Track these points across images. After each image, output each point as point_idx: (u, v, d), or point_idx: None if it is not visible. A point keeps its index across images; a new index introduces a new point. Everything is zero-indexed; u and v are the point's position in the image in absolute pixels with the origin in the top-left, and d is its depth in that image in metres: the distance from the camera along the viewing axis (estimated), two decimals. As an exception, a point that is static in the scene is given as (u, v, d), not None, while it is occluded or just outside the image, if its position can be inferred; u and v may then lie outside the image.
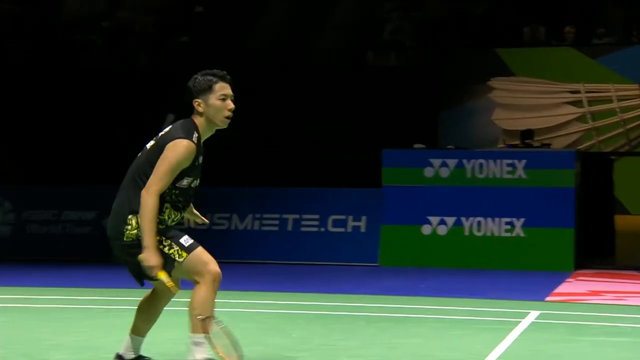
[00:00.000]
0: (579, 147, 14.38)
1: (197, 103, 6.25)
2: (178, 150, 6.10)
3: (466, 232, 13.09)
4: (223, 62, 14.52)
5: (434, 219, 13.14)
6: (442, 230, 13.13)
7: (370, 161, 13.22)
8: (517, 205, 12.90)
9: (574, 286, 11.48)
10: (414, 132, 13.82)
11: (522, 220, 12.88)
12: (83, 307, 10.08)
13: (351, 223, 13.57)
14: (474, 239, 13.05)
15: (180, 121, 6.26)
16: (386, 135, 13.79)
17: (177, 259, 6.12)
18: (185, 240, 6.23)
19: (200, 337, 6.09)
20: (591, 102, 14.95)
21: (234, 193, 13.93)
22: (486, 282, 11.74)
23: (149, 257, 5.99)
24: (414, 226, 13.16)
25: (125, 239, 6.18)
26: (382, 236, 13.30)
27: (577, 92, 14.69)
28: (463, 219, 13.08)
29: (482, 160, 13.06)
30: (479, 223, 13.05)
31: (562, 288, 11.22)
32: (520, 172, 12.93)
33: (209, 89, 6.27)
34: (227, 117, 6.32)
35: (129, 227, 6.18)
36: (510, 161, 13.02)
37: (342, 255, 13.36)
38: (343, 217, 13.59)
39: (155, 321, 6.55)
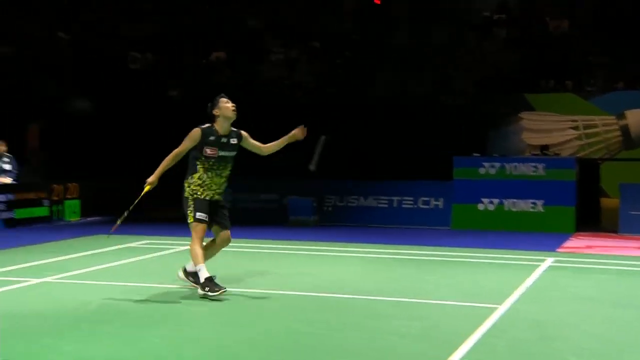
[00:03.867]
0: (577, 155, 14.19)
1: (215, 111, 6.83)
2: (190, 134, 6.81)
3: (505, 208, 12.90)
4: (354, 105, 14.81)
5: (486, 200, 12.99)
6: (490, 207, 12.99)
7: (446, 164, 13.23)
8: (539, 191, 12.67)
9: (575, 242, 11.31)
10: (472, 145, 13.81)
11: (542, 200, 12.68)
12: (274, 252, 10.10)
13: (433, 202, 13.38)
14: (510, 213, 12.83)
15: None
16: (456, 147, 13.64)
17: (188, 220, 6.74)
18: (200, 215, 6.71)
19: (198, 265, 6.70)
20: (585, 127, 14.73)
21: (362, 183, 13.89)
22: (518, 239, 11.47)
23: (151, 177, 6.76)
24: (473, 204, 13.05)
25: (184, 194, 6.86)
26: (453, 211, 13.17)
27: (576, 120, 14.48)
28: (504, 200, 12.90)
29: (516, 163, 12.95)
30: (514, 203, 12.88)
31: (568, 243, 11.09)
32: (540, 171, 12.81)
33: (218, 101, 6.85)
34: (233, 110, 6.85)
35: (184, 191, 6.85)
36: (534, 164, 12.90)
37: (428, 222, 13.20)
38: (428, 198, 13.43)
39: (211, 257, 6.99)
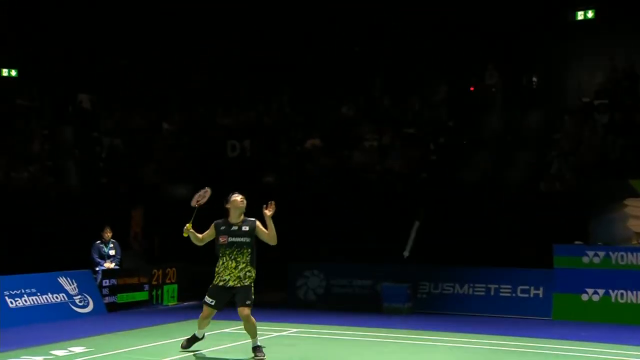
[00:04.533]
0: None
1: (227, 205, 8.32)
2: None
3: (612, 300, 12.29)
4: (447, 191, 14.81)
5: (590, 290, 12.46)
6: (595, 298, 12.45)
7: (546, 252, 12.86)
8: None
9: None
10: (573, 233, 13.38)
11: (652, 292, 12.02)
12: (367, 339, 10.16)
13: (533, 291, 12.95)
14: (618, 305, 12.22)
15: None
16: (556, 234, 13.17)
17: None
18: (207, 299, 8.40)
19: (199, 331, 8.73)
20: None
21: (457, 270, 13.67)
22: (628, 334, 10.91)
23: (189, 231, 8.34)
24: (576, 295, 12.50)
25: None
26: (555, 300, 12.68)
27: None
28: (610, 290, 12.34)
29: (622, 253, 12.44)
30: (622, 294, 12.32)
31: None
32: (649, 261, 12.18)
33: (229, 197, 8.36)
34: (240, 201, 8.28)
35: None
36: (642, 253, 12.29)
37: (527, 312, 12.72)
38: (527, 287, 12.99)
39: (254, 334, 8.41)
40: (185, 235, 8.39)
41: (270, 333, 10.34)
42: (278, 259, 14.27)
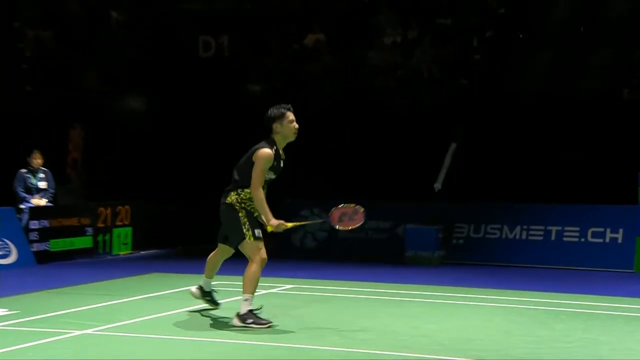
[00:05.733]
0: None
1: (276, 125, 7.87)
2: (264, 156, 7.76)
3: None
4: (495, 102, 14.80)
5: None
6: None
7: (628, 183, 12.68)
8: None
9: None
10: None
11: None
12: (384, 298, 10.20)
13: (609, 235, 12.88)
14: None
15: (265, 139, 7.88)
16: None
17: (247, 238, 7.80)
18: (258, 232, 7.85)
19: (248, 295, 7.78)
20: None
21: (505, 208, 13.64)
22: None
23: (274, 225, 7.74)
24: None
25: (225, 201, 7.91)
26: (638, 247, 12.54)
27: None
28: None
29: None
30: None
31: None
32: None
33: (282, 115, 7.88)
34: (295, 133, 7.93)
35: (229, 197, 7.91)
36: None
37: (600, 262, 12.71)
38: (601, 229, 12.93)
39: (217, 269, 8.49)
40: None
41: (258, 290, 10.35)
42: (267, 194, 14.23)
